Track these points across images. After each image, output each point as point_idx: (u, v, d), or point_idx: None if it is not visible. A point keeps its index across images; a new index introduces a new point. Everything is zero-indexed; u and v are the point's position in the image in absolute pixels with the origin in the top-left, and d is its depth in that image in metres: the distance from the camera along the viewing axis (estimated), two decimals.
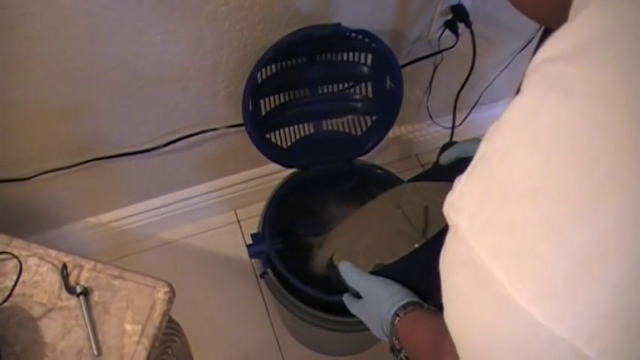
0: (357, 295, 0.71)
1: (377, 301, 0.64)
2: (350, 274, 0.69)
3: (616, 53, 0.23)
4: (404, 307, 0.61)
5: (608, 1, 0.25)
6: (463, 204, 0.28)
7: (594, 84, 0.23)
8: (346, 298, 0.73)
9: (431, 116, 1.24)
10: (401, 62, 1.02)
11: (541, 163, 0.24)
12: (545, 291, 0.24)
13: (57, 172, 0.95)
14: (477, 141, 0.77)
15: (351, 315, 0.81)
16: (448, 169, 0.79)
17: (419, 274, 0.65)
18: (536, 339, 0.24)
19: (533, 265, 0.24)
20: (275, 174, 1.18)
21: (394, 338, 0.60)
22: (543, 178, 0.24)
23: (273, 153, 0.91)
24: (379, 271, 0.68)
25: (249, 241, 0.87)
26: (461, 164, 0.78)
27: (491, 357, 0.27)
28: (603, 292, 0.23)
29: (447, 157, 0.78)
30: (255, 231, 0.90)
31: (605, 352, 0.23)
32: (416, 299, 0.62)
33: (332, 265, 0.84)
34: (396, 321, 0.60)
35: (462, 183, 0.29)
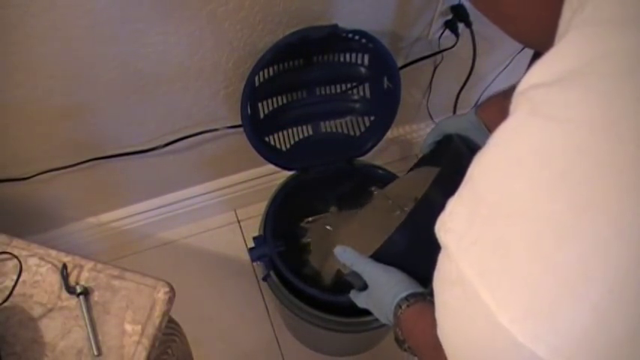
0: (361, 290, 0.71)
1: (381, 290, 0.65)
2: (355, 260, 0.69)
3: (595, 79, 0.24)
4: (406, 298, 0.61)
5: (586, 29, 0.25)
6: (452, 224, 0.29)
7: (576, 109, 0.24)
8: (352, 294, 0.73)
9: (431, 116, 1.24)
10: (401, 63, 1.02)
11: (525, 186, 0.25)
12: (526, 312, 0.24)
13: (57, 172, 0.95)
14: (447, 119, 0.79)
15: (354, 315, 0.82)
16: (431, 155, 0.82)
17: (413, 246, 0.66)
18: (517, 358, 0.25)
19: (516, 285, 0.25)
20: (275, 174, 1.18)
21: (397, 329, 0.61)
22: (527, 201, 0.25)
23: (273, 156, 0.91)
24: (379, 251, 0.68)
25: (250, 241, 0.87)
26: (440, 147, 0.80)
27: None
28: (583, 313, 0.23)
29: (425, 146, 0.82)
30: (255, 231, 0.90)
31: None
32: (419, 290, 0.62)
33: (339, 276, 0.84)
34: (399, 313, 0.60)
35: (452, 203, 0.30)
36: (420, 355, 0.57)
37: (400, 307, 0.60)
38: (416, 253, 0.63)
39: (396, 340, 0.62)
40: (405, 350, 0.62)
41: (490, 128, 0.74)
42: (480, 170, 0.28)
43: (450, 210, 0.30)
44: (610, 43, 0.24)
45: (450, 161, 0.68)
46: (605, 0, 0.25)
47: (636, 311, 0.23)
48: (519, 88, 0.27)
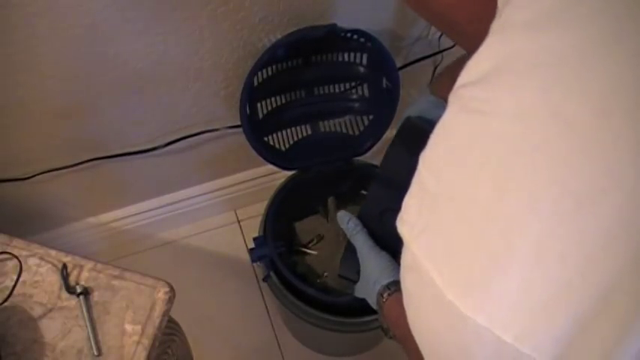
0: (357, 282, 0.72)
1: (367, 274, 0.66)
2: (355, 232, 0.70)
3: (507, 76, 0.27)
4: (387, 286, 0.62)
5: (501, 32, 0.29)
6: (406, 216, 0.32)
7: (494, 103, 0.27)
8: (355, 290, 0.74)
9: None
10: (401, 63, 1.02)
11: (456, 175, 0.29)
12: (466, 285, 0.27)
13: (57, 172, 0.95)
14: (409, 106, 0.78)
15: (354, 316, 0.82)
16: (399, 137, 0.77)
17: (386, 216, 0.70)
18: (464, 330, 0.27)
19: (457, 262, 0.28)
20: (275, 174, 1.18)
21: (381, 317, 0.61)
22: (459, 188, 0.28)
23: (272, 156, 0.91)
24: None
25: (250, 241, 0.87)
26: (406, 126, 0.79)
27: (438, 351, 0.31)
28: (512, 282, 0.26)
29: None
30: (255, 231, 0.90)
31: (519, 337, 0.26)
32: None
33: (342, 279, 0.84)
34: (381, 301, 0.61)
35: (406, 197, 0.33)
36: (404, 345, 0.57)
37: (382, 295, 0.61)
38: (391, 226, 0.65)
39: (381, 327, 0.62)
40: (390, 338, 0.62)
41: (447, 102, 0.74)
42: (424, 164, 0.31)
43: (405, 203, 0.33)
44: (519, 44, 0.28)
45: (401, 133, 0.72)
46: (517, 6, 0.28)
47: (560, 276, 0.25)
48: (453, 89, 0.30)
